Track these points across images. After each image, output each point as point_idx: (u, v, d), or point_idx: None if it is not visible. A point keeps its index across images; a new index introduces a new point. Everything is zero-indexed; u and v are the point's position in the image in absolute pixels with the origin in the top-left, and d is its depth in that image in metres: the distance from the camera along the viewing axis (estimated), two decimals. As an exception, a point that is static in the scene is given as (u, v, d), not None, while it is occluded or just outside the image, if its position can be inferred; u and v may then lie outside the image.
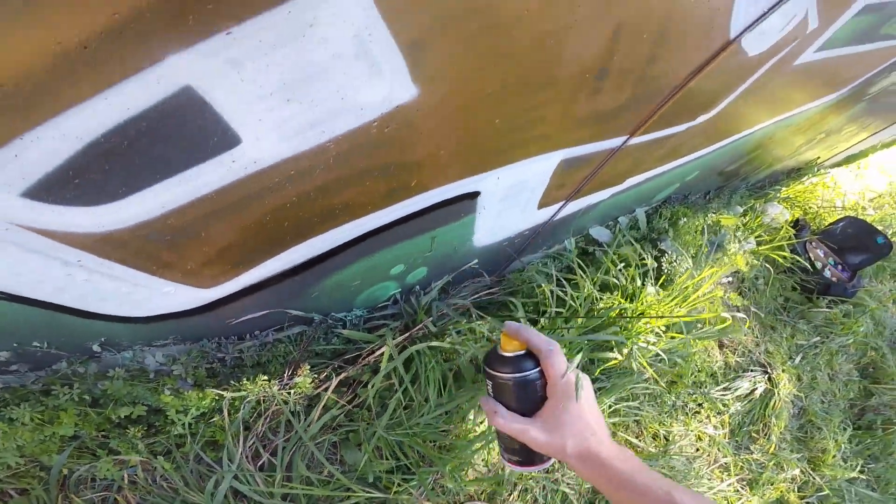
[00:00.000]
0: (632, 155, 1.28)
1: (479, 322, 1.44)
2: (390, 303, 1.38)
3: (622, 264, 1.76)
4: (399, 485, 1.20)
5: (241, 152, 0.62)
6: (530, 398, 0.60)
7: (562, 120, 0.93)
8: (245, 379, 1.10)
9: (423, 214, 1.00)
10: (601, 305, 1.61)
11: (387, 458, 1.24)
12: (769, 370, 2.25)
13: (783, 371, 2.26)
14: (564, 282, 1.62)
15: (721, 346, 2.22)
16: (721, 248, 2.18)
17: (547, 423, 0.58)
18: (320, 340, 1.25)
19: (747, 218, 2.54)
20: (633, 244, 1.81)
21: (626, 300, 1.67)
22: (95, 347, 1.01)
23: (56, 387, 0.98)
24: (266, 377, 1.12)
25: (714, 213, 2.35)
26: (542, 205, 1.30)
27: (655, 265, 1.83)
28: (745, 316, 2.26)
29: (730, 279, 2.41)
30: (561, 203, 1.36)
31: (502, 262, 1.57)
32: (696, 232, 2.09)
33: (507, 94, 0.78)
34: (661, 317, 1.65)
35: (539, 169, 1.07)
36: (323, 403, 1.16)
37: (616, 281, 1.71)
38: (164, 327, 1.03)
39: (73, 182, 0.55)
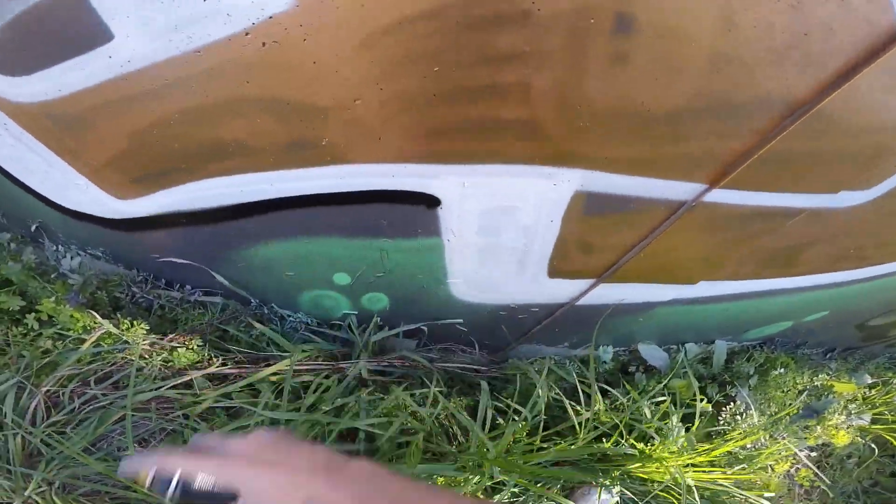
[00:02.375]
0: (713, 230, 0.80)
1: (445, 393, 1.04)
2: (346, 325, 1.10)
3: (664, 399, 1.21)
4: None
5: (116, 49, 0.59)
6: None
7: (563, 103, 0.59)
8: (128, 321, 0.93)
9: (356, 202, 0.73)
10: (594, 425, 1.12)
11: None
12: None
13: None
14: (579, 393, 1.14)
15: None
16: (817, 416, 1.60)
17: None
18: (241, 325, 1.03)
19: (873, 391, 1.96)
20: (692, 378, 1.23)
21: (636, 438, 1.16)
22: (33, 228, 0.98)
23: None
24: (147, 328, 0.93)
25: (830, 374, 1.71)
26: (556, 271, 0.89)
27: (710, 411, 1.27)
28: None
29: (812, 451, 1.81)
30: (589, 281, 0.93)
31: (503, 339, 1.15)
32: (791, 389, 1.49)
33: (447, 22, 0.50)
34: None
35: (536, 192, 0.71)
36: (182, 381, 0.91)
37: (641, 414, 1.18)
38: (94, 233, 0.94)
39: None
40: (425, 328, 1.11)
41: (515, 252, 0.83)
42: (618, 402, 1.22)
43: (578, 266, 0.89)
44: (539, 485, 1.12)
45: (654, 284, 0.96)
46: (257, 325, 0.98)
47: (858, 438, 1.85)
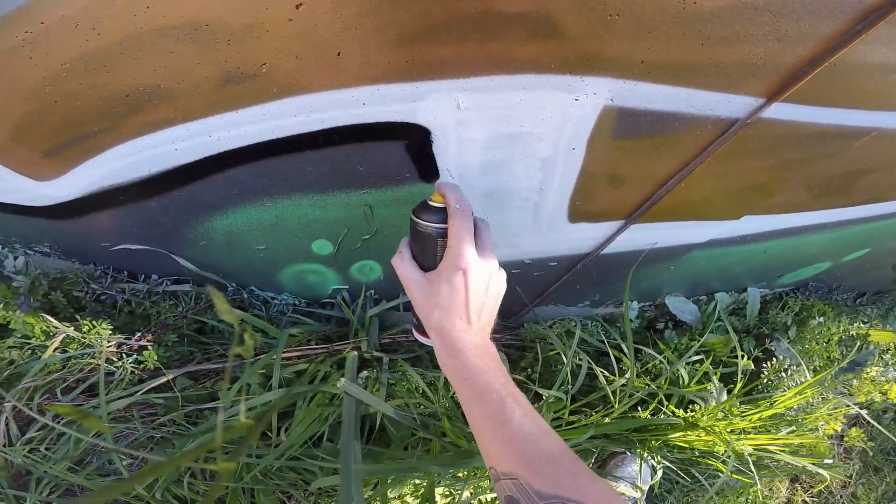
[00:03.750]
0: (768, 152, 0.64)
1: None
2: (339, 301, 0.95)
3: (699, 357, 1.08)
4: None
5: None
6: (428, 254, 0.51)
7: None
8: (87, 321, 0.79)
9: (320, 145, 0.57)
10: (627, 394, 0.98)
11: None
12: (844, 517, 1.52)
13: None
14: (611, 357, 1.00)
15: (795, 479, 1.63)
16: (858, 370, 1.47)
17: (430, 285, 0.50)
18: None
19: None
20: (728, 333, 1.08)
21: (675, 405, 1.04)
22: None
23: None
24: (111, 328, 0.80)
25: (865, 322, 1.58)
26: (578, 214, 0.73)
27: (751, 368, 1.13)
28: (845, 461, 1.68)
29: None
30: (618, 224, 0.77)
31: (517, 301, 1.01)
32: (829, 340, 1.35)
33: None
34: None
35: (554, 110, 0.54)
36: (161, 383, 0.78)
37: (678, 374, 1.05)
38: (32, 226, 0.79)
39: None
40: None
41: (530, 193, 0.66)
42: (650, 365, 1.08)
43: (605, 205, 0.73)
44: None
45: (691, 222, 0.80)
46: (236, 312, 0.84)
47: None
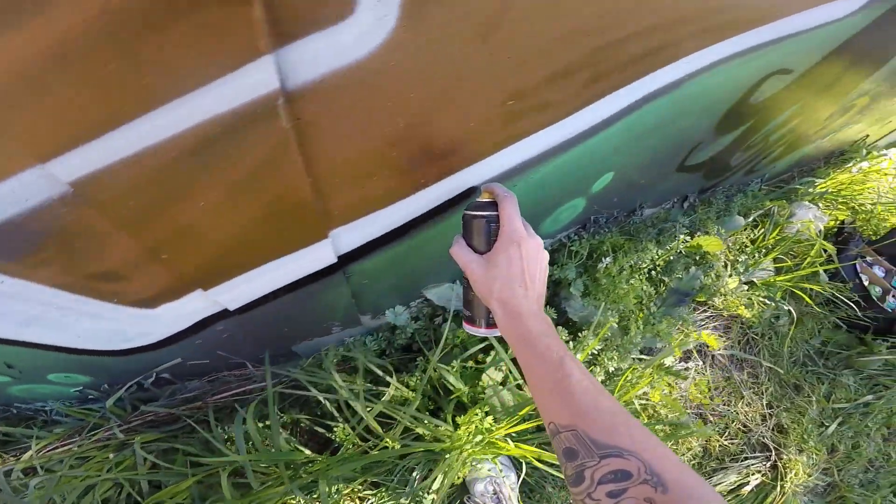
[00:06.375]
0: (161, 180, 0.57)
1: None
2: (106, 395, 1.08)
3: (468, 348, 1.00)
4: None
5: None
6: (483, 238, 0.62)
7: None
8: None
9: None
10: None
11: None
12: (776, 454, 1.55)
13: (801, 452, 1.56)
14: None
15: (705, 421, 1.53)
16: (691, 298, 1.28)
17: (488, 261, 0.59)
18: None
19: (760, 230, 1.65)
20: None
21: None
22: None
23: None
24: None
25: (687, 229, 1.36)
26: (140, 302, 0.73)
27: None
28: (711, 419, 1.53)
29: (727, 328, 1.56)
30: (198, 292, 0.74)
31: (279, 346, 1.03)
32: (637, 273, 1.12)
33: None
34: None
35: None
36: None
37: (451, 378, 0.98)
38: None
39: None
40: (167, 375, 1.04)
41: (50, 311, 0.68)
42: (412, 378, 1.03)
43: (155, 287, 0.70)
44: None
45: (273, 263, 0.73)
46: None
47: (768, 301, 1.54)
